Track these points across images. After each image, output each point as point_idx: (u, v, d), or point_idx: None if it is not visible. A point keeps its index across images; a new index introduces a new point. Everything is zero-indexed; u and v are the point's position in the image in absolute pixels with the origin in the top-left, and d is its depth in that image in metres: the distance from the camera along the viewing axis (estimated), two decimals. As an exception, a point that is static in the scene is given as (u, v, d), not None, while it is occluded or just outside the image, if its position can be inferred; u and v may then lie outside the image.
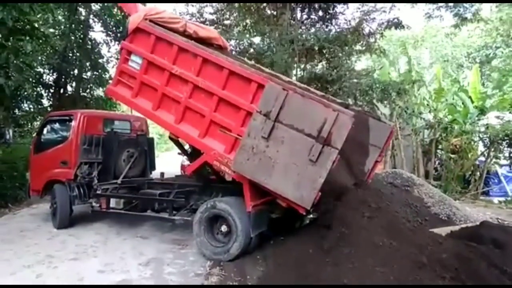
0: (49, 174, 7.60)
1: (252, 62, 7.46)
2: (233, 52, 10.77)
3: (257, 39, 12.55)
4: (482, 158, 12.46)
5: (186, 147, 7.17)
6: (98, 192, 7.20)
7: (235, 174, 5.17)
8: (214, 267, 5.04)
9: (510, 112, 12.03)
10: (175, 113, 5.84)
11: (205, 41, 6.81)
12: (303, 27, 13.02)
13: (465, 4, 12.61)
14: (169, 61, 5.83)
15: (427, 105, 13.45)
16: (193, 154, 6.50)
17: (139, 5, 6.58)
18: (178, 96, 5.78)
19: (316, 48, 11.40)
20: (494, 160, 12.34)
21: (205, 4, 13.25)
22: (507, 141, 11.63)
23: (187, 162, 13.60)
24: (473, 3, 12.69)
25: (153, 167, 8.63)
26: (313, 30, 12.66)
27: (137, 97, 6.20)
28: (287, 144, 4.65)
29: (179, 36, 5.94)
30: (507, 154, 12.05)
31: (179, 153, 15.75)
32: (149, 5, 7.60)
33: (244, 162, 4.88)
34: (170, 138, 6.46)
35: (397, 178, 8.30)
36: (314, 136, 4.51)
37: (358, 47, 12.57)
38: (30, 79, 12.76)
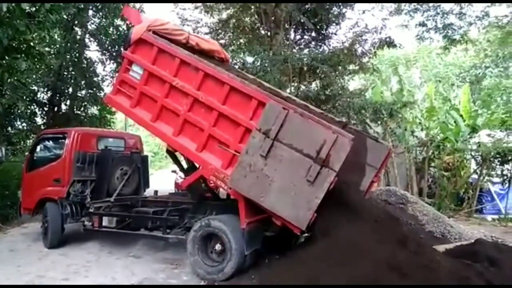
0: (41, 192, 7.51)
1: (252, 76, 7.49)
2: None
3: (250, 59, 12.73)
4: (475, 176, 12.55)
5: (183, 163, 7.13)
6: (91, 210, 7.11)
7: (231, 190, 5.15)
8: None
9: (501, 131, 12.21)
10: (173, 125, 5.84)
11: (207, 54, 6.86)
12: (297, 47, 13.25)
13: (453, 27, 12.98)
14: (170, 74, 5.84)
15: (419, 123, 13.62)
16: (190, 169, 6.47)
17: (143, 15, 6.62)
18: (177, 109, 5.79)
19: (310, 67, 11.58)
20: (486, 177, 12.43)
21: (200, 24, 13.50)
22: (499, 159, 11.75)
23: (181, 180, 13.58)
24: (461, 26, 13.07)
25: (147, 185, 8.56)
26: (306, 50, 12.90)
27: (136, 108, 6.18)
28: (285, 163, 4.65)
29: (181, 49, 5.95)
30: (499, 172, 12.14)
31: (173, 171, 15.71)
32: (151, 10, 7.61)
33: (241, 179, 4.87)
34: (167, 151, 6.45)
35: (391, 195, 8.32)
36: (312, 156, 4.52)
37: (351, 66, 12.78)
38: (24, 97, 12.74)
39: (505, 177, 11.93)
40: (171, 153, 6.41)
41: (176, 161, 6.84)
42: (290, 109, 4.81)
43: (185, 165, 6.74)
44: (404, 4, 13.62)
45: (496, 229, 9.88)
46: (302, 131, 4.65)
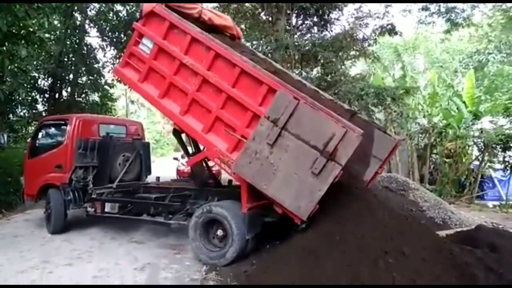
0: (43, 179, 7.56)
1: (263, 56, 7.30)
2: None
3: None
4: (477, 163, 12.54)
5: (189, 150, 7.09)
6: (93, 196, 7.15)
7: (235, 175, 5.15)
8: (210, 272, 5.02)
9: (503, 117, 12.15)
10: (181, 104, 5.73)
11: (219, 29, 6.71)
12: (298, 33, 13.12)
13: (456, 10, 12.82)
14: (181, 50, 5.67)
15: (422, 110, 13.55)
16: (195, 154, 6.43)
17: None
18: (186, 88, 5.65)
19: (311, 53, 11.47)
20: (488, 164, 12.43)
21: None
22: (501, 145, 11.72)
23: (182, 167, 13.64)
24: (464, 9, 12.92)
25: (148, 171, 8.59)
26: (308, 36, 12.77)
27: (144, 82, 6.04)
28: (291, 153, 4.61)
29: (193, 25, 5.73)
30: (501, 159, 12.12)
31: (174, 158, 15.78)
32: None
33: (245, 165, 4.85)
34: (174, 133, 6.42)
35: (392, 182, 8.35)
36: (319, 149, 4.48)
37: (352, 52, 12.67)
38: (25, 84, 12.70)
39: (507, 164, 11.92)
40: (178, 135, 6.38)
41: (182, 144, 6.78)
42: (301, 98, 4.70)
43: (190, 150, 6.69)
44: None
45: (497, 215, 9.91)
46: (311, 122, 4.57)
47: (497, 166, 12.45)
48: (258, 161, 4.75)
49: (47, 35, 13.60)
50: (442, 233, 5.40)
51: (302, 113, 4.60)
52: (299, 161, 4.57)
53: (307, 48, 11.09)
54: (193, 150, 6.61)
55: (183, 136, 6.55)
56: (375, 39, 12.47)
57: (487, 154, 12.13)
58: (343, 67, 12.74)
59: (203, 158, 6.03)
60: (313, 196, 4.53)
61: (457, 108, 12.65)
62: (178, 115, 5.74)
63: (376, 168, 6.16)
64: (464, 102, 12.42)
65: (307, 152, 4.53)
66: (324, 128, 4.50)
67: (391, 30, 12.15)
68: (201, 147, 6.27)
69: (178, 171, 13.77)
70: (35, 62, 13.50)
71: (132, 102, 39.99)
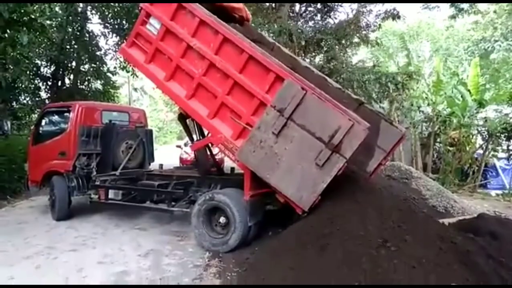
0: (47, 165, 7.60)
1: (272, 40, 7.14)
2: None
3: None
4: (480, 151, 12.50)
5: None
6: (97, 183, 7.20)
7: (239, 162, 5.14)
8: (213, 258, 5.07)
9: (508, 106, 12.06)
10: (187, 87, 5.63)
11: (227, 10, 6.57)
12: (302, 20, 12.98)
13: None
14: (188, 33, 5.54)
15: (426, 98, 13.46)
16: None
17: None
18: (192, 71, 5.54)
19: (314, 40, 11.37)
20: (492, 153, 12.39)
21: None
22: (505, 134, 11.66)
23: (185, 155, 13.68)
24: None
25: (151, 159, 8.62)
26: (311, 23, 12.64)
27: (150, 64, 5.91)
28: (296, 143, 4.60)
29: (202, 7, 5.57)
30: (505, 147, 12.08)
31: (177, 146, 15.80)
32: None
33: (249, 154, 4.84)
34: (179, 118, 6.38)
35: (395, 171, 8.34)
36: (324, 141, 4.45)
37: (356, 39, 12.56)
38: (28, 72, 12.68)
39: (511, 152, 11.87)
40: (183, 120, 6.36)
41: (187, 130, 6.76)
42: (309, 88, 4.64)
43: (195, 138, 6.68)
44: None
45: (500, 204, 9.92)
46: (318, 114, 4.52)
47: (501, 155, 12.41)
48: (262, 150, 4.74)
49: (48, 21, 13.53)
50: (445, 221, 5.38)
51: (309, 104, 4.56)
52: (304, 152, 4.56)
53: (310, 35, 10.97)
54: (198, 138, 6.59)
55: (188, 123, 6.52)
56: (379, 24, 12.34)
57: (491, 143, 12.09)
58: (345, 54, 12.63)
59: (207, 144, 5.99)
60: (316, 188, 4.53)
61: (462, 96, 12.57)
62: (184, 98, 5.65)
63: (380, 159, 6.05)
64: (468, 91, 12.32)
65: (312, 144, 4.51)
66: (331, 120, 4.47)
67: (395, 15, 12.01)
68: (206, 134, 6.24)
69: (181, 159, 13.83)
70: (37, 49, 13.49)
71: (135, 89, 40.01)
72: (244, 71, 5.23)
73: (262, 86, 5.08)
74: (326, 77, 6.58)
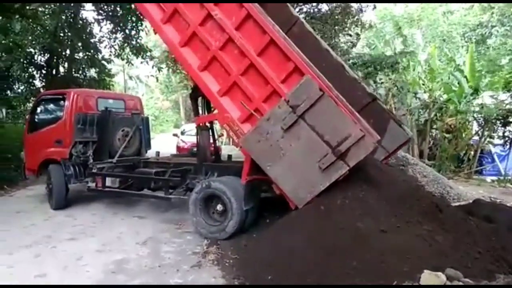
0: (44, 153, 7.57)
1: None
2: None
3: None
4: (476, 138, 12.55)
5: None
6: (94, 171, 7.18)
7: (242, 148, 5.11)
8: (211, 246, 5.10)
9: (504, 92, 12.07)
10: (201, 58, 5.33)
11: None
12: (295, 5, 12.86)
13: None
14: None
15: (423, 84, 13.43)
16: None
17: None
18: (209, 41, 5.22)
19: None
20: (488, 139, 12.45)
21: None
22: (501, 120, 11.70)
23: (182, 144, 13.69)
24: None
25: (148, 146, 8.59)
26: (305, 9, 12.55)
27: (166, 24, 5.48)
28: (302, 142, 4.58)
29: None
30: (500, 134, 12.13)
31: (174, 134, 15.79)
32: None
33: (254, 143, 4.83)
34: (191, 97, 6.35)
35: (392, 157, 8.33)
36: (332, 145, 4.44)
37: (349, 24, 12.56)
38: (21, 60, 12.51)
39: (507, 139, 11.94)
40: (194, 99, 6.30)
41: (196, 110, 6.68)
42: (327, 89, 4.53)
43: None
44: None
45: (495, 190, 10.01)
46: (331, 117, 4.47)
47: (497, 141, 12.47)
48: (267, 141, 4.73)
49: (41, 8, 13.32)
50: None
51: (323, 106, 4.50)
52: (309, 152, 4.56)
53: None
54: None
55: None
56: (374, 6, 12.35)
57: (487, 129, 12.13)
58: (337, 39, 12.58)
59: (211, 128, 5.88)
60: (313, 189, 4.57)
61: (458, 83, 12.55)
62: (196, 69, 5.37)
63: (380, 158, 6.03)
64: (465, 77, 12.31)
65: (319, 146, 4.50)
66: (342, 127, 4.44)
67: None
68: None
69: (178, 148, 13.83)
70: (30, 37, 13.26)
71: (130, 78, 39.59)
72: (263, 54, 5.00)
73: (279, 74, 4.93)
74: (344, 64, 6.39)
